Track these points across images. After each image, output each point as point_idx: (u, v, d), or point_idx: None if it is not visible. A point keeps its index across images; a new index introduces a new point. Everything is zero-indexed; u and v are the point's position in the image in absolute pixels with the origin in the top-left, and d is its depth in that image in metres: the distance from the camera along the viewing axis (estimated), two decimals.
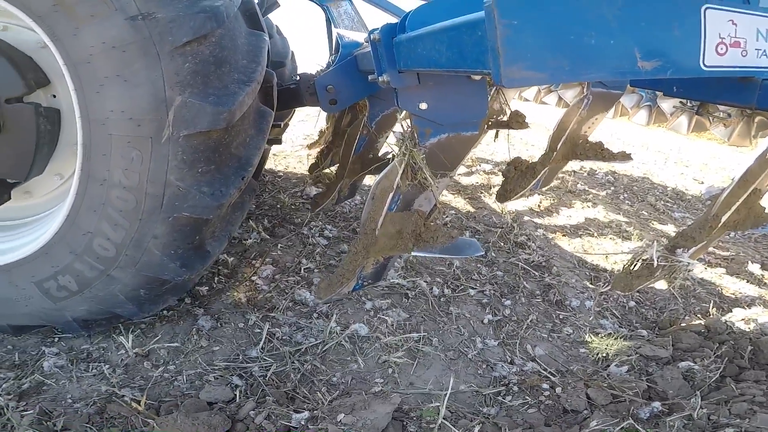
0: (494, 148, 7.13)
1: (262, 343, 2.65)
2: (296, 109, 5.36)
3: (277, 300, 3.03)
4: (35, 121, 2.14)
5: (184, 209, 2.11)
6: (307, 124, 7.44)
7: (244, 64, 2.17)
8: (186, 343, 2.60)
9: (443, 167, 1.94)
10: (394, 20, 1.84)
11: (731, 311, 3.43)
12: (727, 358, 2.73)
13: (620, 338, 3.02)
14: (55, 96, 2.29)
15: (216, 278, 3.15)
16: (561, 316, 3.26)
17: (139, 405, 2.16)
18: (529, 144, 7.98)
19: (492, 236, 4.22)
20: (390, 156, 2.01)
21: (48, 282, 2.32)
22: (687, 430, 2.20)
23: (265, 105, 2.47)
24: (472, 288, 3.37)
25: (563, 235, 4.47)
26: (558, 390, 2.52)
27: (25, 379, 2.31)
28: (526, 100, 13.64)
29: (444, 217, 4.52)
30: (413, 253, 2.16)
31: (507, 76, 1.13)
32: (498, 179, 4.48)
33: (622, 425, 2.20)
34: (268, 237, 3.75)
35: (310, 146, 5.62)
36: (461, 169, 6.13)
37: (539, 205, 5.14)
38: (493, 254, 3.91)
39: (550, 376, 2.65)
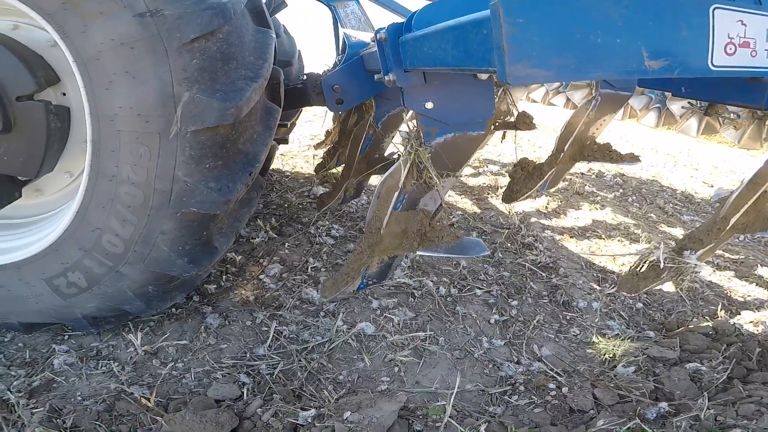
0: (501, 149, 7.13)
1: (269, 341, 2.66)
2: (303, 110, 5.40)
3: (285, 298, 3.04)
4: (45, 119, 2.16)
5: (192, 205, 2.13)
6: (314, 125, 7.47)
7: (251, 60, 2.19)
8: (194, 341, 2.62)
9: (449, 167, 1.94)
10: (400, 20, 1.84)
11: (739, 314, 3.41)
12: (734, 360, 2.71)
13: (627, 339, 3.01)
14: (65, 94, 2.31)
15: (224, 276, 3.17)
16: (568, 317, 3.26)
17: (149, 401, 2.17)
18: (537, 146, 7.97)
19: (499, 237, 4.22)
20: (396, 156, 2.02)
21: (58, 279, 2.34)
22: (694, 431, 2.19)
23: (272, 102, 2.48)
24: (479, 288, 3.37)
25: (571, 237, 4.46)
26: (564, 390, 2.52)
27: (36, 376, 2.33)
28: (534, 101, 13.63)
29: (451, 217, 4.52)
30: (418, 253, 2.16)
31: (512, 73, 1.13)
32: (505, 180, 4.48)
33: (628, 425, 2.19)
34: (276, 236, 3.77)
35: (317, 146, 5.64)
36: (468, 170, 6.14)
37: (547, 207, 5.13)
38: (500, 255, 3.91)
39: (557, 376, 2.65)
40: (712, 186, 6.97)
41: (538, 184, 3.27)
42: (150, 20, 1.90)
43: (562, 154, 3.17)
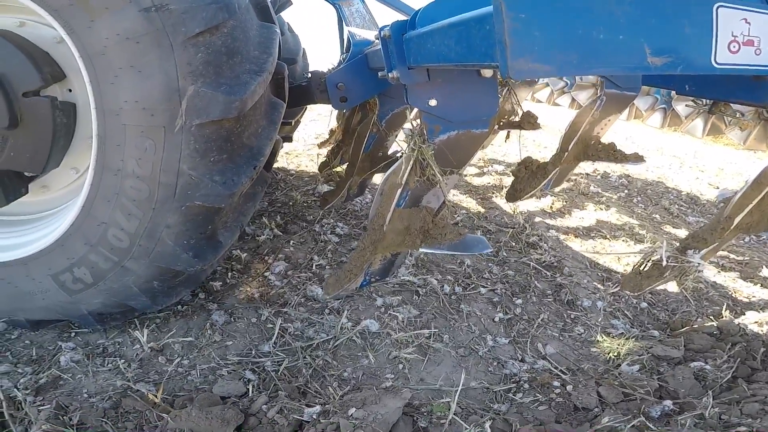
0: (506, 149, 7.12)
1: (274, 338, 2.67)
2: (308, 109, 5.41)
3: (290, 296, 3.05)
4: (52, 114, 2.17)
5: (197, 198, 2.14)
6: (319, 124, 7.49)
7: (255, 54, 2.20)
8: (200, 338, 2.63)
9: (452, 164, 1.95)
10: (404, 18, 1.86)
11: (744, 314, 3.40)
12: (739, 359, 2.71)
13: (632, 338, 3.01)
14: (71, 90, 2.33)
15: (229, 274, 3.19)
16: (572, 316, 3.26)
17: (156, 397, 2.18)
18: (542, 146, 7.96)
19: (503, 236, 4.22)
20: (399, 154, 2.03)
21: (64, 274, 2.35)
22: (698, 429, 2.19)
23: (277, 97, 2.49)
24: (483, 286, 3.38)
25: (575, 237, 4.46)
26: (569, 388, 2.52)
27: (42, 373, 2.34)
28: (539, 101, 13.61)
29: (455, 216, 4.53)
30: (421, 250, 2.17)
31: (514, 68, 1.14)
32: (509, 180, 4.49)
33: (633, 423, 2.19)
34: (281, 234, 3.79)
35: (321, 145, 5.66)
36: (473, 170, 6.15)
37: (551, 207, 5.13)
38: (504, 254, 3.91)
39: (561, 374, 2.65)
40: (718, 188, 6.95)
41: (542, 184, 3.27)
42: (155, 15, 1.91)
43: (566, 153, 3.17)
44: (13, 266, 2.41)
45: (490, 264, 3.71)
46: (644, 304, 3.45)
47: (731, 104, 2.72)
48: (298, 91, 2.97)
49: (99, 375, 2.36)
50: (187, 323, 2.72)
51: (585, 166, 6.68)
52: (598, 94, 3.05)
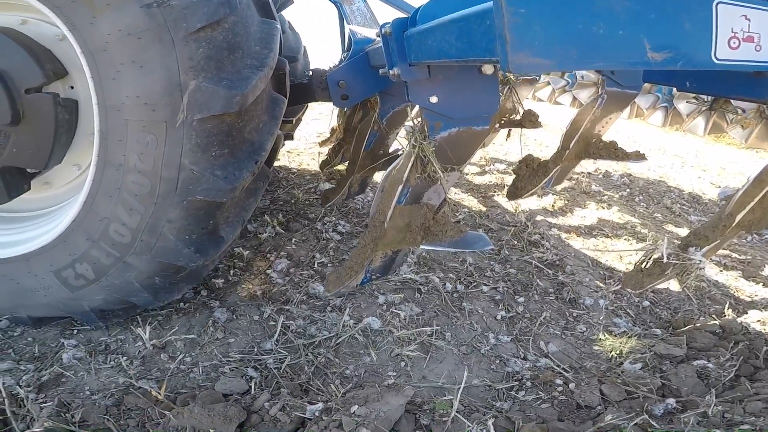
0: (507, 148, 7.13)
1: (276, 335, 2.67)
2: (309, 108, 5.41)
3: (292, 293, 3.06)
4: (54, 110, 2.18)
5: (198, 192, 2.14)
6: (320, 122, 7.50)
7: (256, 50, 2.20)
8: (202, 335, 2.64)
9: (453, 161, 1.95)
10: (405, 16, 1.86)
11: (746, 313, 3.40)
12: (742, 358, 2.70)
13: (634, 337, 3.00)
14: (72, 87, 2.34)
15: (231, 271, 3.19)
16: (574, 314, 3.25)
17: (158, 395, 2.19)
18: (544, 144, 7.96)
19: (505, 234, 4.22)
20: (400, 152, 2.03)
21: (66, 270, 2.35)
22: (701, 427, 2.18)
23: (278, 93, 2.50)
24: (485, 285, 3.38)
25: (577, 235, 4.45)
26: (571, 386, 2.51)
27: (45, 371, 2.35)
28: (540, 100, 13.61)
29: (457, 215, 4.53)
30: (422, 247, 2.16)
31: (514, 62, 1.14)
32: (511, 178, 4.48)
33: (636, 421, 2.19)
34: (283, 231, 3.80)
35: (323, 143, 5.67)
36: (474, 169, 6.15)
37: (553, 205, 5.13)
38: (506, 252, 3.91)
39: (564, 372, 2.64)
40: (720, 187, 6.94)
41: (543, 181, 3.28)
42: (157, 10, 1.92)
43: (568, 151, 3.17)
44: (15, 263, 2.41)
45: (492, 262, 3.71)
46: (646, 303, 3.45)
47: (732, 101, 2.71)
48: (299, 89, 2.97)
49: (101, 372, 2.36)
50: (190, 320, 2.73)
51: (586, 165, 6.68)
52: (599, 92, 3.05)
